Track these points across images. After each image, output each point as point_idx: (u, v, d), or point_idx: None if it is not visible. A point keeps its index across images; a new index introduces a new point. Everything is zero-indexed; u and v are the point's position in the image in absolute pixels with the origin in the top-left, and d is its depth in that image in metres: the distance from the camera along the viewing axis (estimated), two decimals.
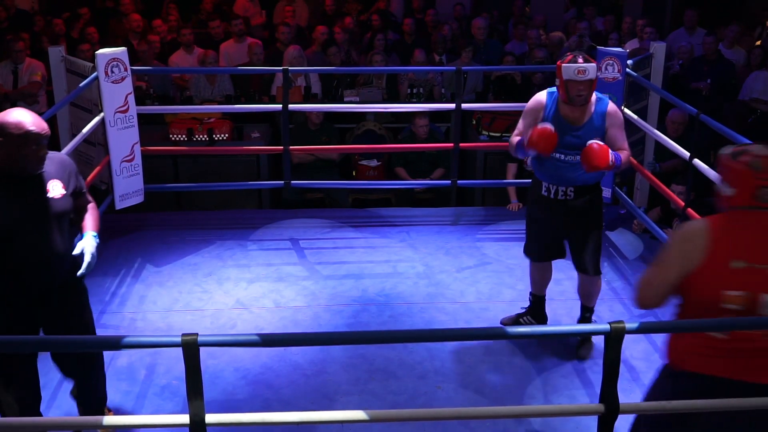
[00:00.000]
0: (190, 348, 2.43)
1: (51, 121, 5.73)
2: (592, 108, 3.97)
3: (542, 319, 4.49)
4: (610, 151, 3.82)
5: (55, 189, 3.10)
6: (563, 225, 4.15)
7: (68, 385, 3.94)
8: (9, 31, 8.06)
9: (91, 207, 3.35)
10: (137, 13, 8.57)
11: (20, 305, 3.11)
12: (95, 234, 3.23)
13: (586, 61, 3.85)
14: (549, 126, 3.89)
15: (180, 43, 7.84)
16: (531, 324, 4.43)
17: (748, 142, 3.68)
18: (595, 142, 3.82)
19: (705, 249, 2.62)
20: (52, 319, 3.23)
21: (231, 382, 4.02)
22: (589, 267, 4.19)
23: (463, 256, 5.37)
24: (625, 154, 3.97)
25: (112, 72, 5.31)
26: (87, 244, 3.16)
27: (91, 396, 3.52)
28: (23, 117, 2.95)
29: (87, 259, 3.13)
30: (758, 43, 8.22)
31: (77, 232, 3.29)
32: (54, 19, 8.41)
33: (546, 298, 4.49)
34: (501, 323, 4.51)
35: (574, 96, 3.89)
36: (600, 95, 4.04)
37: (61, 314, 3.23)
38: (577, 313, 4.68)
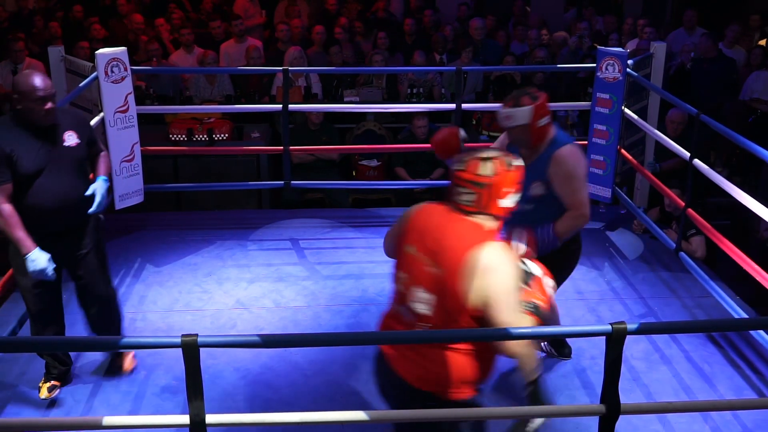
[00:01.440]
0: (190, 349, 2.43)
1: None
2: (544, 147, 3.51)
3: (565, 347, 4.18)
4: (516, 245, 3.35)
5: (71, 139, 3.58)
6: None
7: (67, 386, 3.96)
8: (8, 31, 8.06)
9: (103, 155, 3.83)
10: (139, 14, 8.56)
11: (44, 242, 3.47)
12: (105, 178, 3.68)
13: (516, 105, 3.43)
14: (462, 131, 3.66)
15: (180, 42, 7.83)
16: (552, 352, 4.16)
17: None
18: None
19: (402, 227, 2.67)
20: (72, 255, 3.67)
21: (231, 382, 4.02)
22: None
23: None
24: (567, 220, 3.44)
25: (112, 72, 5.30)
26: (98, 186, 3.61)
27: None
28: (31, 77, 3.46)
29: (97, 198, 3.57)
30: (762, 42, 8.19)
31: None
32: (50, 22, 8.40)
33: None
34: None
35: (516, 141, 3.54)
36: (562, 137, 3.53)
37: (79, 252, 3.69)
38: (578, 313, 4.68)
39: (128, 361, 4.05)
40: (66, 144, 3.56)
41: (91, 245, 3.72)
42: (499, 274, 2.43)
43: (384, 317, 2.78)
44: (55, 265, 3.49)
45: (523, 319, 2.51)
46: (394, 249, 2.72)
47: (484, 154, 2.55)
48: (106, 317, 3.87)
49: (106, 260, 3.85)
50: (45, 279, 3.47)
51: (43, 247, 3.44)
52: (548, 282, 2.68)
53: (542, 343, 4.11)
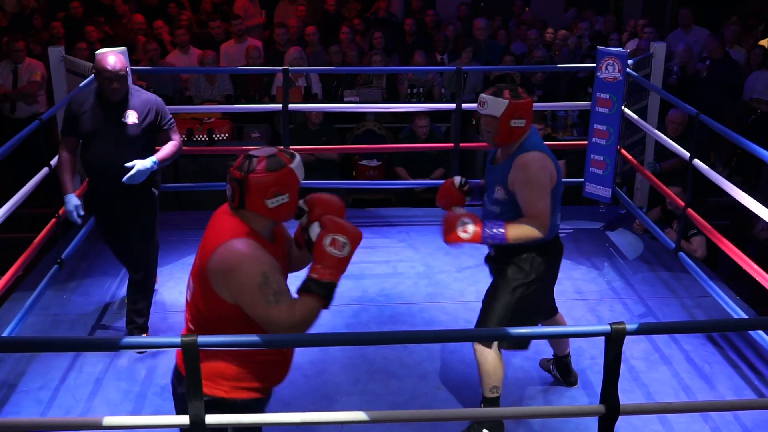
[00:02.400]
0: (190, 349, 2.42)
1: (51, 121, 5.77)
2: (512, 150, 3.41)
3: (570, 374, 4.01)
4: (461, 222, 3.32)
5: (130, 117, 4.03)
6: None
7: (67, 386, 3.96)
8: (8, 31, 8.06)
9: (170, 143, 4.20)
10: (140, 14, 8.56)
11: (97, 199, 4.06)
12: (155, 160, 4.05)
13: (495, 94, 3.36)
14: (455, 179, 3.59)
15: (175, 43, 7.83)
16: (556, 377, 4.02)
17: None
18: (453, 211, 3.42)
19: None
20: (118, 218, 4.14)
21: None
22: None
23: (463, 256, 5.36)
24: (521, 225, 3.30)
25: None
26: (139, 162, 3.97)
27: (138, 309, 4.28)
28: (105, 57, 3.97)
29: (131, 172, 3.94)
30: (764, 42, 8.18)
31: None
32: (53, 22, 8.40)
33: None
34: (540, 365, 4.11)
35: (483, 131, 3.47)
36: (533, 143, 3.39)
37: (123, 217, 4.14)
38: (578, 313, 4.68)
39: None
40: (124, 120, 4.02)
41: (135, 214, 4.15)
42: (239, 275, 2.43)
43: None
44: (82, 213, 4.10)
45: (280, 309, 2.46)
46: None
47: (253, 152, 2.55)
48: (139, 283, 4.25)
49: (150, 231, 4.22)
50: (72, 220, 4.09)
51: (97, 204, 4.07)
52: (328, 241, 2.54)
53: (551, 366, 4.03)
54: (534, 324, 3.60)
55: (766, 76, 7.37)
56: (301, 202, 2.66)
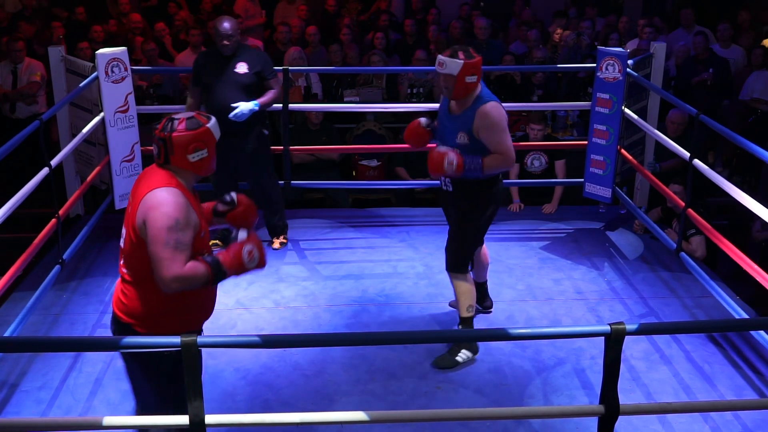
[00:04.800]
0: (190, 349, 2.43)
1: (51, 122, 5.77)
2: (470, 103, 3.97)
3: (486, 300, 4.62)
4: (448, 157, 3.88)
5: (241, 68, 4.96)
6: (447, 217, 4.31)
7: (67, 386, 3.96)
8: (9, 31, 8.05)
9: (271, 91, 5.04)
10: (137, 14, 8.55)
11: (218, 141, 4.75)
12: (257, 103, 4.93)
13: (452, 56, 3.91)
14: (421, 120, 4.19)
15: (188, 42, 7.83)
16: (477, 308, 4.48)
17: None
18: (438, 148, 3.96)
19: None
20: (235, 154, 5.00)
21: (231, 382, 4.02)
22: (446, 261, 4.23)
23: None
24: (493, 159, 3.91)
25: (112, 72, 5.30)
26: (242, 104, 4.87)
27: (276, 226, 5.44)
28: (221, 20, 4.98)
29: (235, 111, 4.83)
30: (765, 42, 8.17)
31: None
32: (53, 22, 8.39)
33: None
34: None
35: (442, 87, 3.99)
36: (487, 95, 3.99)
37: (239, 152, 5.04)
38: (578, 313, 4.69)
39: (277, 243, 5.43)
40: (235, 70, 4.94)
41: (249, 150, 5.06)
42: (157, 213, 2.74)
43: None
44: None
45: (175, 256, 2.72)
46: None
47: (174, 116, 2.91)
48: (268, 206, 5.29)
49: (264, 162, 5.17)
50: None
51: (219, 146, 4.54)
52: (248, 249, 2.87)
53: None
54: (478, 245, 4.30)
55: (766, 76, 7.36)
56: (234, 194, 3.15)
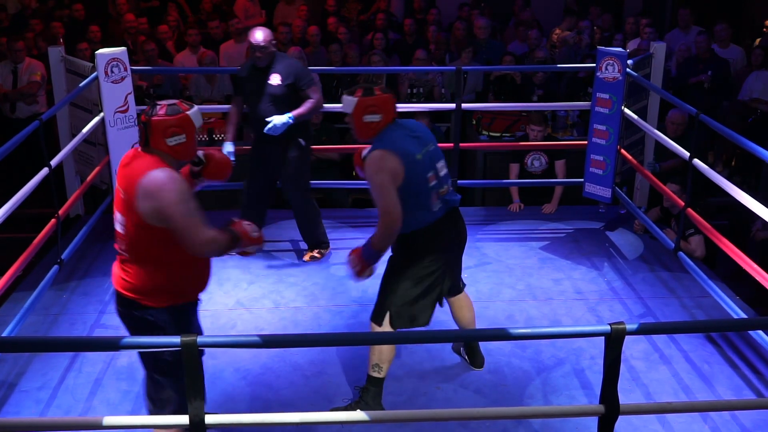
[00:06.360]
0: (190, 349, 2.43)
1: (51, 121, 5.77)
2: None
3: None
4: (354, 269, 3.52)
5: (274, 79, 4.93)
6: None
7: (67, 386, 3.96)
8: (8, 31, 8.05)
9: (308, 102, 4.94)
10: (132, 14, 8.53)
11: (255, 148, 5.06)
12: (292, 116, 4.86)
13: (349, 93, 3.56)
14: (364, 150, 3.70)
15: (187, 43, 7.83)
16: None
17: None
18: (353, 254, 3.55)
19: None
20: (274, 161, 5.09)
21: (231, 382, 4.02)
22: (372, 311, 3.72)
23: (463, 256, 5.36)
24: (377, 231, 3.44)
25: (112, 72, 5.31)
26: (277, 118, 4.85)
27: (310, 238, 5.35)
28: (254, 32, 4.92)
29: (269, 125, 4.83)
30: (758, 41, 8.18)
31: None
32: (52, 22, 8.38)
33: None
34: None
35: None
36: (385, 140, 3.49)
37: (278, 160, 5.07)
38: (578, 313, 4.69)
39: (308, 256, 5.32)
40: (269, 82, 4.92)
41: (286, 158, 5.05)
42: (164, 193, 2.88)
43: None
44: (233, 151, 4.97)
45: (197, 222, 2.90)
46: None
47: (158, 102, 3.06)
48: (301, 214, 5.25)
49: (301, 171, 5.11)
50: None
51: (254, 152, 5.13)
52: (246, 223, 3.15)
53: (461, 349, 4.20)
54: (432, 301, 3.68)
55: (766, 76, 7.36)
56: (201, 153, 3.24)
